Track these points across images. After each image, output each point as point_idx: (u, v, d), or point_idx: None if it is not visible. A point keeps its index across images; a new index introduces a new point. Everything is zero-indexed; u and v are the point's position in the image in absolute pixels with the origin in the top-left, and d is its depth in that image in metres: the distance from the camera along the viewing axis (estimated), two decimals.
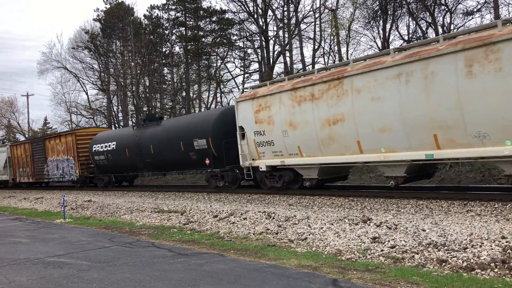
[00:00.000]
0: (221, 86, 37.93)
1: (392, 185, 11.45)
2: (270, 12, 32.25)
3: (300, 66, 31.27)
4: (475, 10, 23.50)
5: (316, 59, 31.44)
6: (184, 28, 39.18)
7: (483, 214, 8.69)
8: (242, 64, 38.30)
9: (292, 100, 13.22)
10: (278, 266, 6.70)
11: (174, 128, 19.00)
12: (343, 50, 28.61)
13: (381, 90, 10.84)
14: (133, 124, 21.33)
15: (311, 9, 31.61)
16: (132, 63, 40.62)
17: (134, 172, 21.97)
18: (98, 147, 23.29)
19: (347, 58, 29.11)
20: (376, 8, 25.66)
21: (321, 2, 29.73)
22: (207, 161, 16.95)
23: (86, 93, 48.12)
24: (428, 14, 23.73)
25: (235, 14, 34.99)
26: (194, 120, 18.47)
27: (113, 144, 22.22)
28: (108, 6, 43.17)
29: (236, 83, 37.95)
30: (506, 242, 6.46)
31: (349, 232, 8.27)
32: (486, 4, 22.78)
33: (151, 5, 39.85)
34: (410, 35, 25.69)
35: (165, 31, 40.18)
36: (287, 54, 30.22)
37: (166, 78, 42.96)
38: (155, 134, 19.61)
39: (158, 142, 19.25)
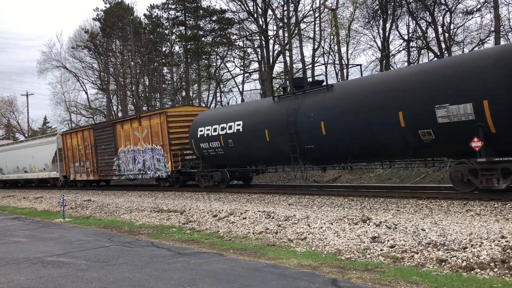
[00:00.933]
0: (221, 86, 37.93)
1: None
2: (270, 12, 32.26)
3: (300, 65, 31.28)
4: (475, 9, 23.49)
5: (316, 58, 31.45)
6: (184, 28, 39.17)
7: (482, 213, 8.69)
8: (242, 63, 38.30)
9: None
10: (278, 266, 6.69)
11: (375, 90, 11.88)
12: (343, 49, 28.62)
13: None
14: (273, 96, 15.65)
15: (311, 9, 31.65)
16: (132, 63, 40.60)
17: (272, 164, 16.36)
18: (207, 130, 16.77)
19: (347, 58, 29.17)
20: (376, 8, 25.66)
21: (321, 2, 29.72)
22: (476, 143, 9.77)
23: (86, 93, 48.19)
24: (428, 13, 23.72)
25: (235, 13, 34.98)
26: (439, 71, 10.57)
27: (238, 125, 15.61)
28: (107, 5, 43.20)
29: (236, 83, 37.96)
30: (506, 241, 6.46)
31: (348, 232, 8.26)
32: (486, 3, 22.77)
33: (151, 4, 39.95)
34: (410, 35, 25.70)
35: (165, 31, 40.16)
36: (287, 53, 30.21)
37: (166, 77, 42.97)
38: (326, 105, 12.92)
39: (334, 117, 12.57)
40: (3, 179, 35.24)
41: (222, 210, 11.97)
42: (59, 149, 27.24)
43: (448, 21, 23.88)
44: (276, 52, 33.35)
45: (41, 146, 29.25)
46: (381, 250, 7.09)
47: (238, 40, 37.02)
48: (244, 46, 37.21)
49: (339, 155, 13.08)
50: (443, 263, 6.17)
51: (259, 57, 34.45)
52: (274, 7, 31.92)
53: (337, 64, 28.48)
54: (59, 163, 27.28)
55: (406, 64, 25.48)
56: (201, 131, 17.06)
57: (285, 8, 31.32)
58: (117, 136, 21.82)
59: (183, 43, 37.77)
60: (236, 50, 37.76)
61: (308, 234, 8.55)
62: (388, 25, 25.68)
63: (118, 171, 22.00)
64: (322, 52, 31.70)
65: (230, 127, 15.93)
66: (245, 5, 33.11)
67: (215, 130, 16.49)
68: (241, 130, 15.49)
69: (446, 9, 23.58)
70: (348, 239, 7.87)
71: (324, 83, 14.35)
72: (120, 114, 42.53)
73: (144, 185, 25.07)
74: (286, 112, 13.84)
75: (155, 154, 19.34)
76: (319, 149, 13.18)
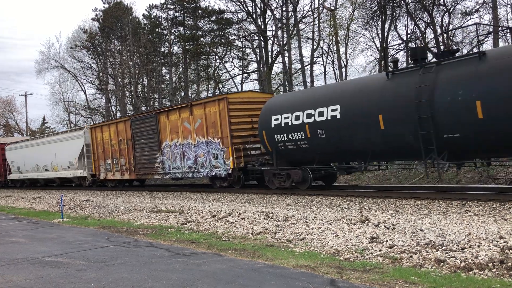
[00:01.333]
0: (220, 86, 37.92)
1: None
2: (268, 12, 32.27)
3: (298, 66, 31.30)
4: (473, 10, 23.55)
5: (314, 59, 31.47)
6: (182, 28, 39.17)
7: (481, 214, 8.70)
8: (241, 64, 38.32)
9: None
10: (276, 266, 6.69)
11: None
12: (342, 50, 28.64)
13: None
14: (387, 71, 12.47)
15: (310, 9, 31.67)
16: (131, 63, 40.58)
17: (385, 159, 13.61)
18: (285, 118, 13.69)
19: (346, 58, 29.19)
20: (374, 8, 25.68)
21: (320, 2, 29.75)
22: None
23: (85, 93, 48.16)
24: (426, 14, 23.76)
25: (234, 13, 35.02)
26: None
27: (333, 110, 12.39)
28: (106, 5, 43.17)
29: (234, 83, 37.99)
30: (504, 242, 6.46)
31: (347, 232, 8.26)
32: (485, 4, 22.82)
33: (149, 4, 39.97)
34: (408, 35, 25.73)
35: (164, 31, 40.16)
36: (286, 54, 30.22)
37: (164, 77, 42.98)
38: (482, 79, 9.67)
39: (497, 94, 9.41)
40: (21, 178, 32.44)
41: (221, 211, 11.96)
42: (87, 144, 24.21)
43: (447, 21, 23.94)
44: (275, 52, 33.40)
45: (66, 141, 26.24)
46: (380, 250, 7.10)
47: (236, 41, 37.09)
48: (243, 46, 37.28)
49: (498, 145, 9.87)
50: (442, 264, 6.17)
51: (258, 57, 34.49)
52: (273, 8, 31.95)
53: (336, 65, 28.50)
54: (87, 160, 24.16)
55: (404, 64, 25.51)
56: (276, 119, 13.95)
57: (284, 9, 31.34)
58: (161, 128, 18.71)
59: (182, 43, 37.78)
60: (235, 51, 37.84)
61: (307, 235, 8.55)
62: (387, 26, 25.71)
63: (161, 168, 18.86)
64: (321, 53, 31.74)
65: (320, 114, 12.67)
66: (244, 5, 33.15)
67: (297, 118, 13.32)
68: (338, 116, 12.22)
69: (445, 9, 23.62)
70: (347, 240, 7.87)
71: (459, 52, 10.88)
72: (119, 115, 42.54)
73: (144, 186, 24.95)
74: (415, 90, 10.54)
75: (211, 148, 16.29)
76: (467, 138, 9.96)
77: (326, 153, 13.12)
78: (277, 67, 34.74)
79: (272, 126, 14.05)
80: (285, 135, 13.75)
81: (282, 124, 13.77)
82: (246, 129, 16.02)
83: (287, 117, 13.65)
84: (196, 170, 17.24)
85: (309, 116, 12.99)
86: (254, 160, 15.63)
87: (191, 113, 17.20)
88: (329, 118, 12.47)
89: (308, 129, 13.03)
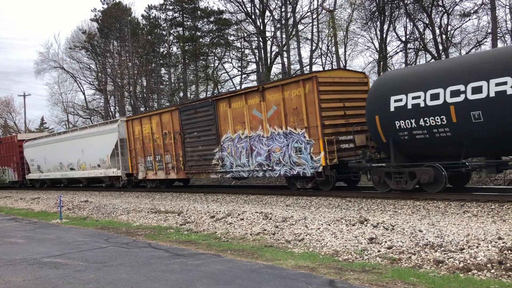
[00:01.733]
0: (219, 87, 37.93)
1: None
2: (267, 13, 32.30)
3: (298, 66, 31.32)
4: (472, 11, 23.59)
5: (313, 60, 31.51)
6: (181, 29, 39.20)
7: (479, 215, 8.71)
8: (240, 64, 38.33)
9: None
10: (275, 267, 6.69)
11: None
12: (341, 51, 28.67)
13: None
14: None
15: (309, 10, 31.68)
16: (130, 63, 40.58)
17: None
18: (415, 99, 10.64)
19: (345, 59, 29.23)
20: (373, 9, 25.72)
21: (319, 3, 29.79)
22: None
23: (83, 93, 48.13)
24: (425, 15, 23.80)
25: (233, 14, 35.05)
26: None
27: (500, 84, 9.36)
28: (105, 6, 43.16)
29: (233, 84, 37.99)
30: (503, 243, 6.47)
31: (346, 233, 8.27)
32: (483, 5, 22.86)
33: (148, 5, 39.98)
34: (407, 36, 25.77)
35: (163, 32, 40.18)
36: (285, 55, 30.25)
37: (163, 78, 42.99)
38: None
39: None
40: (41, 178, 28.92)
41: (220, 211, 11.96)
42: (121, 139, 21.15)
43: (446, 22, 23.99)
44: (274, 53, 33.43)
45: (95, 136, 22.99)
46: (379, 251, 7.10)
47: (235, 41, 37.10)
48: (242, 47, 37.31)
49: None
50: (440, 264, 6.18)
51: (257, 58, 34.51)
52: (272, 8, 31.99)
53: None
54: (121, 157, 21.06)
55: (403, 65, 25.55)
56: (397, 101, 10.96)
57: (283, 9, 31.38)
58: (220, 118, 15.65)
59: (181, 44, 37.78)
60: (234, 51, 37.86)
61: (306, 235, 8.55)
62: (385, 27, 25.75)
63: (220, 166, 15.93)
64: (320, 53, 31.76)
65: (476, 90, 9.59)
66: (243, 6, 33.17)
67: (435, 97, 10.27)
68: (509, 92, 9.17)
69: (444, 10, 23.67)
70: (346, 240, 7.87)
71: None
72: (117, 115, 42.55)
73: (142, 186, 24.35)
74: None
75: (292, 141, 13.41)
76: None
77: (479, 143, 10.05)
78: (276, 68, 34.79)
79: (392, 109, 11.06)
80: (412, 121, 10.74)
81: (409, 106, 10.71)
82: (337, 117, 13.16)
83: (417, 97, 10.56)
84: (269, 167, 14.22)
85: (455, 94, 9.92)
86: (347, 154, 12.94)
87: (262, 98, 14.13)
88: (492, 95, 9.39)
89: (454, 111, 9.99)
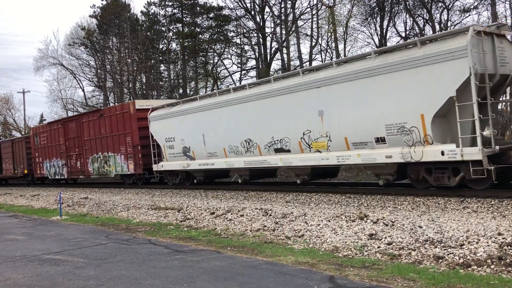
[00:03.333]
0: (218, 83, 37.90)
1: None
2: (267, 9, 32.25)
3: (297, 63, 31.27)
4: (472, 7, 23.54)
5: (313, 55, 31.47)
6: (181, 25, 39.11)
7: (479, 210, 8.71)
8: (239, 61, 38.27)
9: None
10: (275, 263, 6.69)
11: None
12: (341, 46, 28.63)
13: None
14: None
15: (309, 6, 31.65)
16: (129, 60, 40.52)
17: None
18: None
19: (345, 55, 29.16)
20: (373, 5, 25.66)
21: None
22: None
23: (83, 90, 48.11)
24: (425, 11, 23.75)
25: (232, 10, 35.02)
26: None
27: None
28: (104, 2, 43.06)
29: (233, 80, 37.93)
30: (503, 238, 6.48)
31: (346, 229, 8.27)
32: (483, 1, 22.80)
33: (148, 1, 39.82)
34: (407, 32, 25.73)
35: (162, 28, 40.10)
36: (284, 51, 30.20)
37: (163, 75, 42.92)
38: None
39: None
40: (189, 169, 17.19)
41: (220, 208, 11.96)
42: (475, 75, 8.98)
43: (446, 18, 23.93)
44: (273, 49, 33.38)
45: (381, 77, 10.53)
46: (379, 247, 7.10)
47: (235, 37, 37.05)
48: (241, 43, 37.24)
49: None
50: (440, 260, 6.18)
51: (256, 54, 34.44)
52: (271, 4, 31.92)
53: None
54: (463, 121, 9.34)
55: None
56: None
57: (282, 5, 31.32)
58: None
59: (180, 40, 37.72)
60: (233, 47, 37.78)
61: (306, 232, 8.56)
62: (385, 22, 25.71)
63: None
64: (319, 49, 31.73)
65: None
66: (242, 2, 33.09)
67: None
68: None
69: (444, 6, 23.62)
70: (346, 236, 7.88)
71: None
72: None
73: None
74: None
75: None
76: None
77: None
78: (275, 64, 34.77)
79: None
80: None
81: None
82: None
83: None
84: None
85: None
86: None
87: None
88: None
89: None
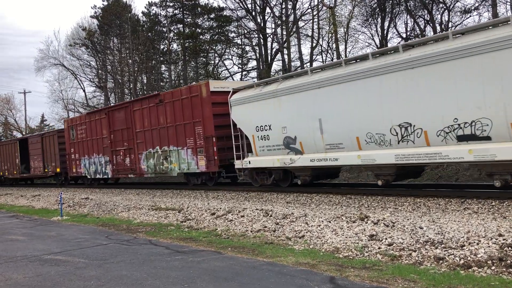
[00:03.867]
0: None
1: None
2: (268, 10, 32.24)
3: (298, 63, 31.29)
4: (473, 8, 23.53)
5: (314, 56, 31.48)
6: (182, 25, 39.14)
7: (480, 211, 8.70)
8: (240, 61, 38.31)
9: None
10: (276, 264, 6.70)
11: None
12: (342, 47, 28.63)
13: None
14: None
15: (309, 7, 31.65)
16: (130, 60, 40.55)
17: None
18: None
19: (346, 56, 29.17)
20: (374, 6, 25.67)
21: (319, 0, 29.71)
22: None
23: (84, 90, 48.13)
24: (426, 11, 23.75)
25: (233, 11, 35.03)
26: None
27: None
28: (105, 3, 43.10)
29: (233, 81, 37.93)
30: (503, 239, 6.47)
31: (346, 230, 8.27)
32: (484, 2, 22.80)
33: (149, 2, 39.86)
34: (408, 33, 25.73)
35: (163, 28, 40.13)
36: (285, 51, 30.21)
37: (163, 75, 42.96)
38: None
39: None
40: (293, 166, 13.18)
41: (220, 208, 11.97)
42: None
43: (447, 19, 23.94)
44: (274, 50, 33.38)
45: None
46: (379, 248, 7.10)
47: (236, 38, 37.07)
48: (242, 44, 37.25)
49: None
50: (441, 261, 6.18)
51: (257, 55, 34.47)
52: (272, 5, 31.94)
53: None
54: None
55: None
56: None
57: (283, 6, 31.33)
58: None
59: (181, 40, 37.76)
60: (234, 48, 37.81)
61: (306, 232, 8.56)
62: (386, 23, 25.71)
63: None
64: (320, 50, 31.73)
65: None
66: (243, 2, 33.11)
67: None
68: None
69: (444, 7, 23.62)
70: (346, 237, 7.88)
71: None
72: None
73: (142, 183, 24.75)
74: None
75: None
76: None
77: None
78: (276, 65, 34.78)
79: None
80: None
81: None
82: None
83: None
84: None
85: None
86: None
87: None
88: None
89: None
